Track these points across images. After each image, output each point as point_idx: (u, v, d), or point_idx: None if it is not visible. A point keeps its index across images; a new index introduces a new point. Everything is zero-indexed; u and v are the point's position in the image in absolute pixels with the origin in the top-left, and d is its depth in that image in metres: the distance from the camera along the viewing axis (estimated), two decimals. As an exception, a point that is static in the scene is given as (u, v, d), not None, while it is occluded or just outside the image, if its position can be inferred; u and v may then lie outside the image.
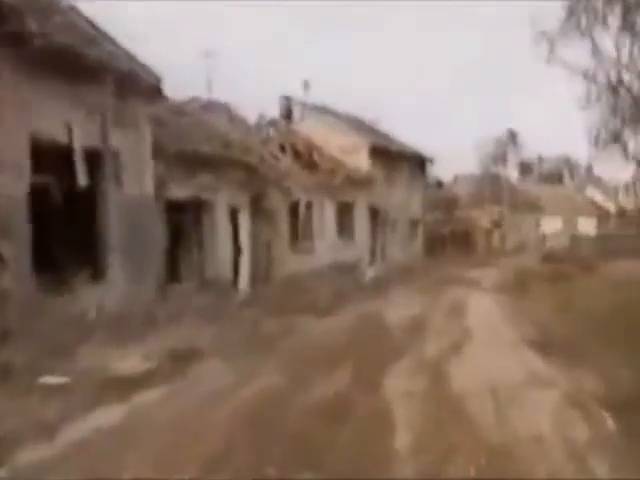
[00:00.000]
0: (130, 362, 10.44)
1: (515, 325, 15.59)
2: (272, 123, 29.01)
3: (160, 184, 18.02)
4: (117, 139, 15.90)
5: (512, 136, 56.33)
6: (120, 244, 16.15)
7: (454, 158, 70.63)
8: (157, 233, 17.87)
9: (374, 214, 31.88)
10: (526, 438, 6.97)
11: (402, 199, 34.99)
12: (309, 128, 30.94)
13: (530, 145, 68.94)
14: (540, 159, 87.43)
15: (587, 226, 66.84)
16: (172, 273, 19.24)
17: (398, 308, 18.57)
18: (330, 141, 30.55)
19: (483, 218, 53.95)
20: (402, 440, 7.01)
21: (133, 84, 16.26)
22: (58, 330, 12.22)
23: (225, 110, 25.59)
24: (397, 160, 34.42)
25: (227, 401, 8.55)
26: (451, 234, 45.06)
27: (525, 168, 76.79)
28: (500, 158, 56.62)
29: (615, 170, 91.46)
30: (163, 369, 10.23)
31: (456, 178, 63.65)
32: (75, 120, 14.38)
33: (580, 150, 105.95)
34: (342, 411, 8.03)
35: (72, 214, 15.67)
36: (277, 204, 23.65)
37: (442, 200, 54.04)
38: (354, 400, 8.51)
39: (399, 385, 9.36)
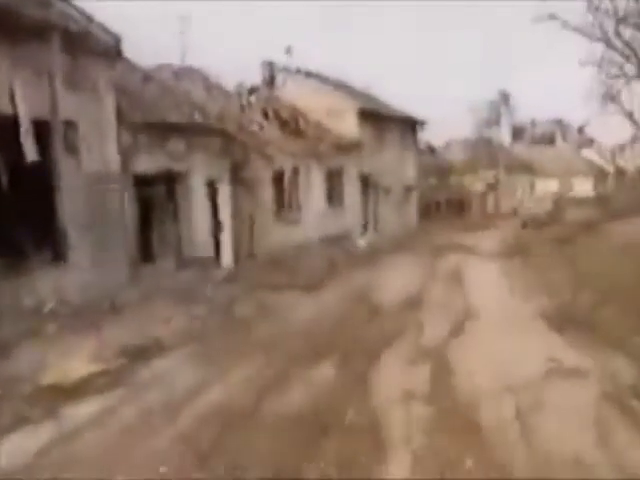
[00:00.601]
0: (74, 364, 8.68)
1: (525, 296, 13.90)
2: (253, 90, 27.02)
3: (126, 156, 16.21)
4: (73, 107, 14.13)
5: (505, 98, 54.22)
6: (82, 223, 14.46)
7: (447, 123, 68.61)
8: (124, 210, 16.11)
9: (365, 181, 30.01)
10: (561, 462, 5.23)
11: (394, 165, 33.09)
12: (293, 93, 28.99)
13: (523, 107, 67.00)
14: (533, 122, 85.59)
15: (584, 187, 65.00)
16: (145, 253, 17.49)
17: (392, 281, 16.89)
18: (315, 106, 28.59)
19: (477, 182, 52.08)
20: (397, 466, 5.29)
21: (87, 43, 14.41)
22: (4, 321, 10.50)
23: (200, 77, 23.61)
24: (387, 124, 32.44)
25: (175, 420, 6.80)
26: (446, 199, 43.24)
27: (518, 131, 74.77)
28: (493, 121, 54.52)
29: (609, 131, 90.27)
30: (111, 371, 8.48)
31: (449, 143, 61.65)
32: (19, 85, 12.52)
33: (573, 113, 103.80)
34: (322, 425, 6.29)
35: (25, 191, 13.87)
36: (260, 173, 21.79)
37: (435, 166, 52.22)
38: (337, 408, 6.77)
39: (393, 385, 7.65)
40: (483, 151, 53.27)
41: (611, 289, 12.79)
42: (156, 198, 18.01)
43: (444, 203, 42.82)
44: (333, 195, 27.34)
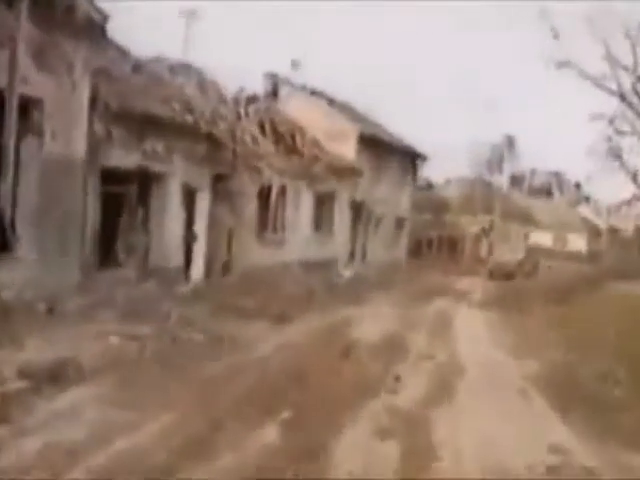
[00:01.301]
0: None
1: (516, 354, 12.11)
2: (253, 99, 25.31)
3: (96, 147, 14.47)
4: (40, 83, 12.45)
5: (509, 143, 52.83)
6: (34, 212, 12.68)
7: (447, 160, 67.14)
8: (86, 205, 14.34)
9: (357, 209, 28.32)
10: None
11: (389, 195, 31.42)
12: (295, 109, 27.32)
13: (527, 155, 65.66)
14: (533, 172, 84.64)
15: (577, 243, 63.56)
16: (106, 257, 15.67)
17: (373, 321, 15.12)
18: (316, 125, 26.94)
19: (473, 225, 50.48)
20: None
21: (68, 18, 12.72)
22: None
23: (197, 75, 21.90)
24: (387, 152, 30.84)
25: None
26: (438, 238, 41.57)
27: (516, 179, 73.57)
28: (495, 164, 53.08)
29: (607, 189, 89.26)
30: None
31: (448, 181, 60.25)
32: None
33: (572, 167, 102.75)
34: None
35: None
36: (245, 187, 20.03)
37: (431, 202, 50.71)
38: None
39: (353, 467, 5.79)
40: (481, 193, 51.70)
41: (616, 355, 11.05)
42: (126, 198, 16.22)
43: (436, 241, 41.10)
44: (322, 220, 25.62)
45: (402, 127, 34.44)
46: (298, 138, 25.22)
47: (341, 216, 26.78)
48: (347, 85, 56.32)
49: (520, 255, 37.93)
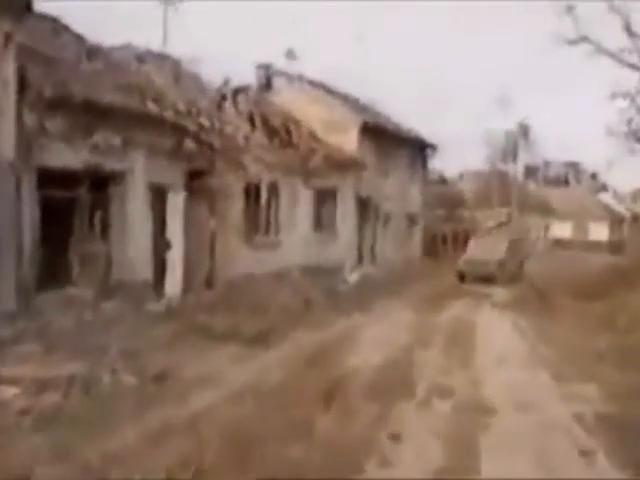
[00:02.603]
0: None
1: (565, 379, 9.02)
2: (240, 90, 22.35)
3: (28, 143, 11.69)
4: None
5: (524, 131, 49.49)
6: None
7: (460, 153, 63.86)
8: (19, 214, 11.59)
9: (363, 205, 25.27)
10: None
11: (398, 190, 28.31)
12: (290, 101, 24.39)
13: (542, 145, 62.19)
14: (546, 163, 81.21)
15: (599, 232, 59.93)
16: (55, 274, 12.85)
17: (375, 337, 12.13)
18: (314, 117, 24.02)
19: (490, 219, 47.20)
20: None
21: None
22: None
23: (171, 65, 19.01)
24: (393, 143, 27.74)
25: None
26: (454, 234, 38.32)
27: (531, 171, 70.11)
28: (510, 154, 49.77)
29: (626, 175, 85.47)
30: None
31: (462, 175, 57.02)
32: None
33: (588, 157, 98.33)
34: None
35: None
36: (228, 184, 17.10)
37: (446, 197, 47.56)
38: None
39: None
40: (497, 185, 48.42)
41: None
42: (77, 203, 13.36)
43: (451, 237, 37.85)
44: (323, 219, 22.62)
45: (411, 120, 31.43)
46: (293, 131, 22.29)
47: (345, 214, 23.75)
48: (350, 78, 52.55)
49: (501, 252, 26.24)
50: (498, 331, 13.63)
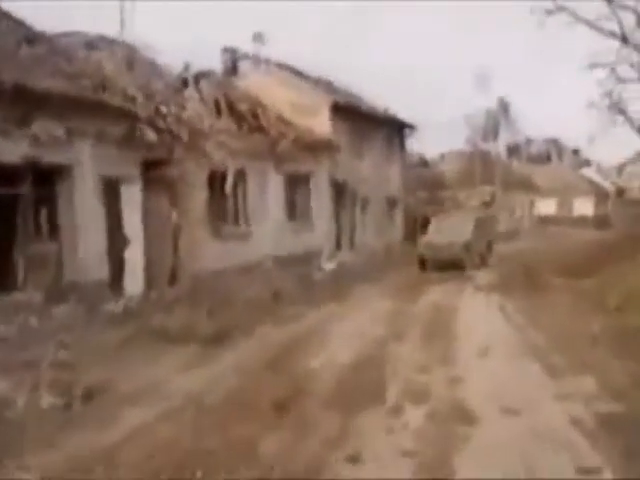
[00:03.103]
0: None
1: (559, 373, 7.98)
2: (203, 75, 21.10)
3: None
4: None
5: (504, 107, 48.44)
6: None
7: (440, 134, 62.48)
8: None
9: (339, 190, 24.16)
10: None
11: (375, 173, 27.20)
12: (256, 84, 23.18)
13: (522, 122, 60.88)
14: (528, 140, 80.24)
15: (584, 207, 59.13)
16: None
17: (346, 329, 11.09)
18: (282, 99, 22.83)
19: (473, 198, 46.18)
20: None
21: None
22: None
23: (126, 51, 17.74)
24: (368, 124, 26.60)
25: None
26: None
27: (513, 149, 69.11)
28: (491, 132, 48.76)
29: (608, 149, 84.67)
30: None
31: (443, 156, 55.89)
32: None
33: (569, 133, 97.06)
34: None
35: None
36: (190, 174, 15.95)
37: (427, 179, 46.51)
38: None
39: None
40: (479, 165, 47.33)
41: None
42: (20, 202, 12.19)
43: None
44: (296, 205, 21.53)
45: (389, 103, 30.03)
46: (260, 115, 21.10)
47: (320, 200, 22.64)
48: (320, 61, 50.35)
49: (467, 233, 22.66)
50: (482, 317, 12.56)
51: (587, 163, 76.95)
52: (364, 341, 10.00)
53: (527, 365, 8.47)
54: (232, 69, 25.47)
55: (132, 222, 14.58)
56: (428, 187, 44.69)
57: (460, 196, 45.55)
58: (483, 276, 19.95)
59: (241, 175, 18.21)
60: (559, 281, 17.54)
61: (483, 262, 23.61)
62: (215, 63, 25.06)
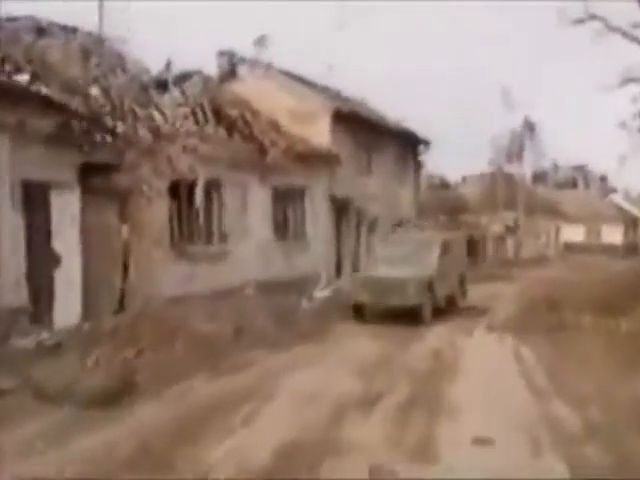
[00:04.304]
0: None
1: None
2: (185, 76, 18.31)
3: None
4: None
5: (529, 127, 45.22)
6: None
7: (463, 156, 59.22)
8: None
9: (341, 208, 21.16)
10: None
11: (386, 192, 24.15)
12: (253, 89, 20.39)
13: (548, 140, 57.29)
14: (555, 166, 76.88)
15: (612, 234, 55.40)
16: None
17: (300, 389, 8.03)
18: (280, 105, 20.02)
19: (495, 223, 42.87)
20: None
21: None
22: None
23: (85, 41, 14.98)
24: (378, 137, 23.58)
25: None
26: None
27: (539, 176, 65.72)
28: (515, 154, 45.48)
29: (636, 178, 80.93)
30: None
31: (465, 178, 52.68)
32: None
33: (596, 161, 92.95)
34: None
35: None
36: (145, 181, 13.08)
37: (447, 202, 43.41)
38: None
39: None
40: (502, 188, 44.02)
41: None
42: None
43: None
44: (288, 223, 18.56)
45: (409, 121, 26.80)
46: (250, 121, 18.25)
47: (317, 218, 19.66)
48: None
49: (428, 265, 15.54)
50: (491, 372, 9.38)
51: (614, 190, 73.61)
52: (317, 410, 6.98)
53: (550, 469, 5.34)
54: (230, 73, 22.80)
55: (66, 237, 11.74)
56: (448, 211, 41.70)
57: (482, 220, 42.34)
58: (499, 311, 16.70)
59: (216, 186, 15.32)
60: (589, 319, 14.36)
61: (452, 307, 16.71)
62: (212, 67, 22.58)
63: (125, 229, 12.85)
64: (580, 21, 26.00)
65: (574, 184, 77.21)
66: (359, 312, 15.05)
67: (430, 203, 41.60)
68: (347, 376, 8.69)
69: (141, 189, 13.01)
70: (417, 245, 16.65)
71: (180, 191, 14.19)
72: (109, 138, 12.26)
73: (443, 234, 19.89)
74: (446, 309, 15.99)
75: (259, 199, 16.89)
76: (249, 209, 16.45)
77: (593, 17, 25.99)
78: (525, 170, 48.87)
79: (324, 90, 23.21)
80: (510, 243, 43.69)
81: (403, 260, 15.42)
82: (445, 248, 16.62)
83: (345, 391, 7.87)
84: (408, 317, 14.22)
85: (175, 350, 9.86)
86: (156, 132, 13.53)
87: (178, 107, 17.47)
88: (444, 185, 50.60)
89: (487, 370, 9.45)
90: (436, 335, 13.08)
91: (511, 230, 44.33)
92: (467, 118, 77.84)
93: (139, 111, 13.57)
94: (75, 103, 11.65)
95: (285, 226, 18.44)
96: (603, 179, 76.27)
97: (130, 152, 12.69)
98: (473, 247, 36.34)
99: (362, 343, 11.47)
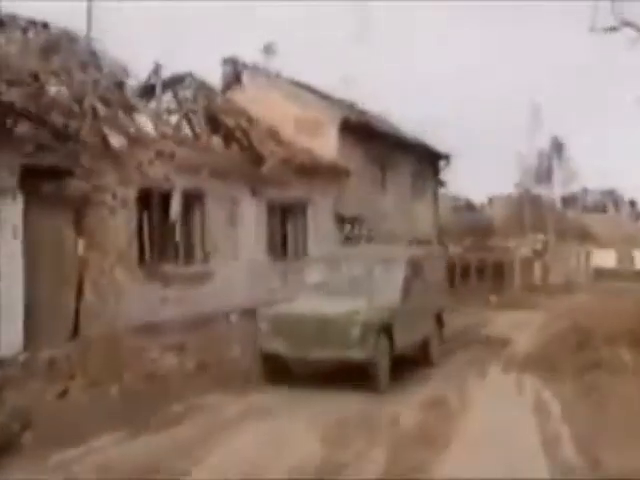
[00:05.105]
0: None
1: None
2: (176, 80, 16.42)
3: None
4: None
5: (557, 147, 42.83)
6: None
7: (490, 176, 56.74)
8: None
9: (349, 226, 18.99)
10: None
11: (402, 210, 21.97)
12: (256, 97, 18.55)
13: (578, 161, 54.61)
14: (584, 190, 74.44)
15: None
16: None
17: (245, 455, 5.80)
18: (285, 114, 18.16)
19: (522, 247, 40.35)
20: None
21: None
22: None
23: (52, 36, 13.15)
24: (393, 151, 21.44)
25: None
26: (479, 264, 31.65)
27: (568, 200, 63.20)
28: (544, 175, 43.05)
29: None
30: None
31: (491, 200, 50.30)
32: None
33: (625, 185, 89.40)
34: None
35: None
36: (109, 191, 11.14)
37: (472, 224, 41.15)
38: None
39: None
40: (530, 210, 41.60)
41: None
42: None
43: (474, 267, 31.14)
44: (286, 242, 16.51)
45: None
46: (247, 130, 16.34)
47: (321, 236, 17.50)
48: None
49: (388, 296, 10.22)
50: (502, 437, 7.01)
51: (644, 216, 71.09)
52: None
53: None
54: (235, 81, 20.99)
55: (6, 252, 9.81)
56: (474, 233, 39.46)
57: (509, 244, 39.89)
58: (521, 344, 14.37)
59: (198, 197, 13.35)
60: (628, 355, 12.06)
61: (425, 361, 11.50)
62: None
63: (82, 244, 10.91)
64: (613, 29, 23.78)
65: (604, 209, 74.78)
66: (271, 370, 9.74)
67: (455, 226, 39.46)
68: (312, 435, 6.53)
69: (102, 198, 11.07)
70: (371, 265, 11.05)
71: (152, 202, 12.23)
72: (57, 139, 10.35)
73: (412, 249, 14.80)
74: (413, 363, 10.96)
75: (252, 214, 14.87)
76: (239, 225, 14.43)
77: (627, 24, 23.73)
78: (554, 191, 46.51)
79: (333, 100, 21.20)
80: (538, 268, 41.08)
81: (348, 288, 10.40)
82: (415, 270, 11.06)
83: (302, 455, 5.73)
84: (352, 378, 9.28)
85: (110, 392, 7.80)
86: (123, 134, 11.61)
87: (167, 113, 15.82)
88: (469, 207, 48.35)
89: (493, 432, 7.16)
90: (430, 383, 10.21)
91: (539, 254, 41.79)
92: (494, 136, 74.72)
93: (103, 110, 11.66)
94: (16, 98, 9.77)
95: (283, 245, 16.39)
96: (633, 203, 73.67)
97: (88, 156, 10.79)
98: (499, 272, 33.99)
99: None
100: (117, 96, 12.87)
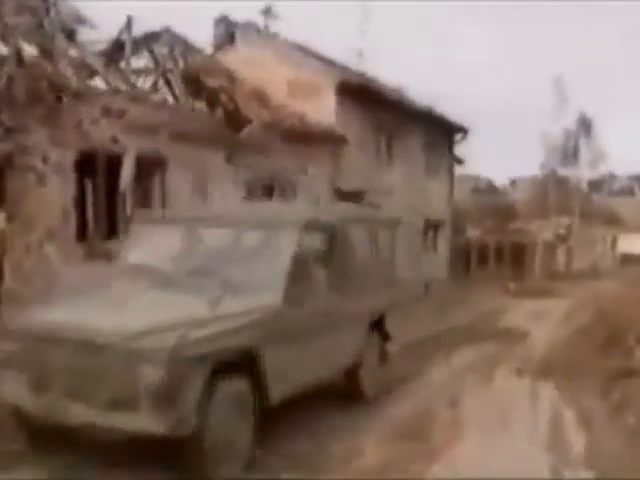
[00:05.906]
0: None
1: None
2: (151, 37, 14.34)
3: None
4: None
5: (585, 125, 40.10)
6: None
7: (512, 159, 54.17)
8: None
9: (349, 202, 16.81)
10: None
11: (411, 187, 19.72)
12: (247, 58, 16.45)
13: (605, 140, 51.60)
14: (611, 176, 71.60)
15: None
16: None
17: None
18: (279, 77, 16.07)
19: (545, 230, 37.83)
20: None
21: None
22: None
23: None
24: (401, 120, 19.13)
25: None
26: (497, 247, 29.32)
27: (595, 184, 60.48)
28: (570, 154, 40.36)
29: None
30: None
31: (514, 182, 47.72)
32: None
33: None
34: None
35: None
36: (37, 153, 9.11)
37: (495, 207, 38.99)
38: None
39: None
40: (554, 193, 39.02)
41: None
42: None
43: (493, 251, 28.83)
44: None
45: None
46: (229, 91, 14.27)
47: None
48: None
49: (255, 307, 5.66)
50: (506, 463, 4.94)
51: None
52: None
53: None
54: (228, 41, 18.91)
55: None
56: (494, 216, 37.26)
57: (531, 226, 37.45)
58: (540, 340, 12.20)
59: (157, 165, 11.28)
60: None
61: (354, 393, 7.47)
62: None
63: (1, 216, 8.93)
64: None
65: (631, 193, 72.00)
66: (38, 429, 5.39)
67: (474, 207, 37.27)
68: None
69: (29, 162, 9.05)
70: (241, 235, 6.34)
71: (97, 169, 10.18)
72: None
73: (334, 207, 10.04)
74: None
75: (225, 186, 12.74)
76: (209, 198, 12.33)
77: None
78: (581, 173, 43.78)
79: (331, 61, 18.95)
80: (561, 253, 38.55)
81: (189, 275, 6.03)
82: (327, 244, 6.76)
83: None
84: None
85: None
86: (59, 87, 9.55)
87: (145, 74, 13.93)
88: (491, 188, 45.86)
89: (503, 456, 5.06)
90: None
91: (563, 238, 39.26)
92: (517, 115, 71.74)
93: (33, 58, 9.63)
94: None
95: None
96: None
97: (8, 110, 8.77)
98: (519, 257, 31.63)
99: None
100: (62, 45, 10.82)
